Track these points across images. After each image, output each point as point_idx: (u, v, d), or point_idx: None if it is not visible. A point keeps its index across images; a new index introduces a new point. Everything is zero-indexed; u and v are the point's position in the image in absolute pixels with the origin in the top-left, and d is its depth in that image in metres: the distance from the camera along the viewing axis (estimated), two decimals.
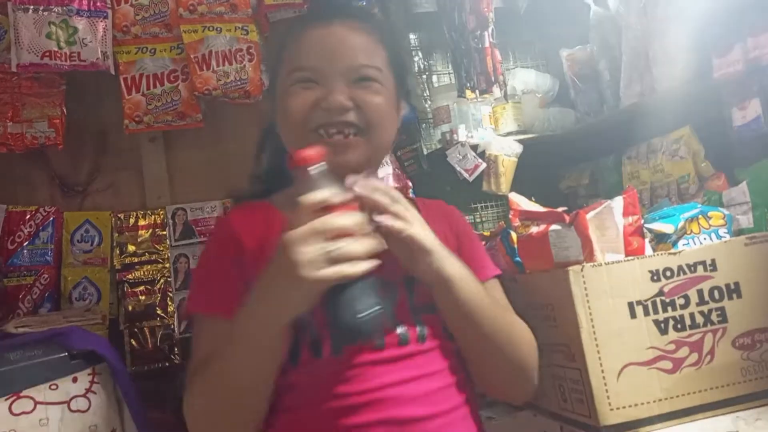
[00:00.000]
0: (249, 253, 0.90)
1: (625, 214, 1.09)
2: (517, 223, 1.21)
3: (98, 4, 1.68)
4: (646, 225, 1.13)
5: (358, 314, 0.72)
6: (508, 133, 2.07)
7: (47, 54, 1.62)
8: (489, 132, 2.04)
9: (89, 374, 1.17)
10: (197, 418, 0.83)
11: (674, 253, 1.06)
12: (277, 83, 1.00)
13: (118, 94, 1.74)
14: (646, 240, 1.11)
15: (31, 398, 1.08)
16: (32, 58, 1.61)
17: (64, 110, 1.71)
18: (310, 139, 0.91)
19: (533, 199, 1.25)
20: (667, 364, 1.02)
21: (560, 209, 1.18)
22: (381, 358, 0.85)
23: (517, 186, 1.99)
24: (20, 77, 1.66)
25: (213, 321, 0.87)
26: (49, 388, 1.10)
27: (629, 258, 1.05)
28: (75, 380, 1.14)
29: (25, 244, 1.66)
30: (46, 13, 1.63)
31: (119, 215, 1.82)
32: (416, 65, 2.13)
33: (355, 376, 0.83)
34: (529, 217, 1.18)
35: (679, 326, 1.03)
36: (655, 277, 1.04)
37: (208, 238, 0.99)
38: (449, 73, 2.14)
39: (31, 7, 1.63)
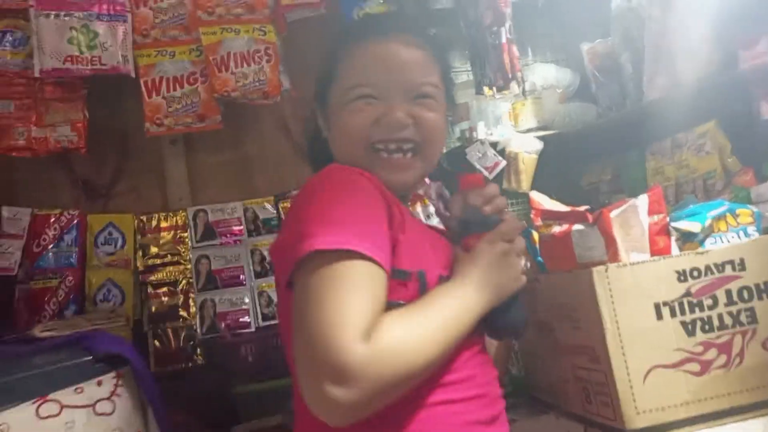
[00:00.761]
0: (392, 215, 0.86)
1: (651, 212, 1.07)
2: (538, 222, 1.20)
3: (118, 8, 1.69)
4: (672, 224, 1.10)
5: (525, 318, 0.93)
6: (528, 130, 2.04)
7: (69, 59, 1.63)
8: (509, 129, 2.01)
9: (114, 377, 1.18)
10: (414, 350, 0.77)
11: (701, 253, 1.04)
12: (329, 97, 1.00)
13: (138, 98, 1.75)
14: (672, 239, 1.09)
15: (58, 402, 1.09)
16: (54, 63, 1.63)
17: (86, 114, 1.73)
18: (370, 156, 0.93)
19: (554, 197, 1.24)
20: (695, 367, 1.00)
21: (582, 208, 1.16)
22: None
23: (537, 183, 1.97)
24: (43, 82, 1.68)
25: (371, 266, 0.77)
26: (75, 391, 1.11)
27: (655, 258, 1.03)
28: (100, 383, 1.15)
29: (50, 247, 1.69)
30: (67, 18, 1.65)
31: (141, 217, 1.84)
32: None
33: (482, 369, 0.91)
34: (551, 217, 1.17)
35: (707, 327, 1.01)
36: (682, 278, 1.02)
37: (342, 180, 0.87)
38: (467, 71, 2.12)
39: (53, 12, 1.65)
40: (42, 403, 1.08)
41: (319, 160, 1.02)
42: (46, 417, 1.08)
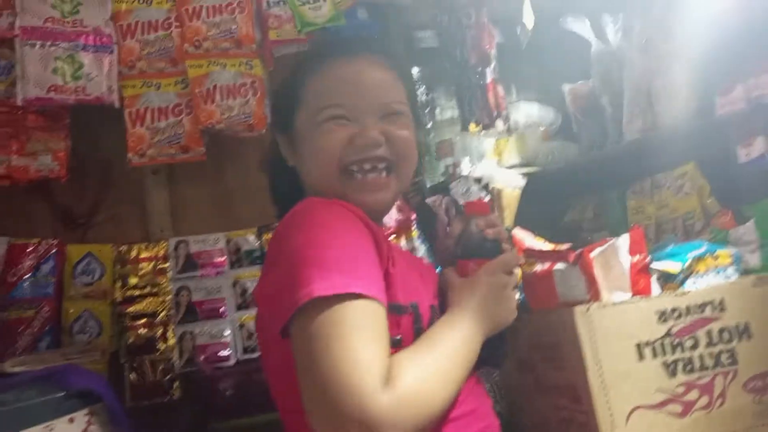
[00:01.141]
0: (380, 249, 0.84)
1: (632, 252, 1.08)
2: (521, 260, 1.20)
3: (104, 39, 1.69)
4: (652, 264, 1.11)
5: (508, 349, 0.98)
6: (512, 166, 2.07)
7: (53, 88, 1.62)
8: (493, 165, 2.04)
9: (86, 414, 1.14)
10: (431, 392, 0.77)
11: (682, 294, 1.05)
12: (295, 122, 0.98)
13: (122, 128, 1.74)
14: (653, 278, 1.10)
15: None
16: (38, 92, 1.61)
17: (69, 144, 1.71)
18: (344, 179, 0.92)
19: (537, 234, 1.24)
20: (677, 408, 1.00)
21: (565, 246, 1.17)
22: None
23: (521, 219, 1.98)
24: (26, 111, 1.66)
25: (373, 305, 0.75)
26: (45, 429, 1.07)
27: (636, 298, 1.03)
28: (72, 420, 1.12)
29: (26, 276, 1.65)
30: (52, 49, 1.64)
31: (121, 248, 1.81)
32: (420, 98, 2.14)
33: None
34: (533, 255, 1.17)
35: (688, 368, 1.02)
36: (663, 318, 1.03)
37: (327, 215, 0.83)
38: (452, 108, 2.15)
39: (38, 42, 1.64)
40: None
41: (284, 192, 1.02)
42: None
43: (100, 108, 1.71)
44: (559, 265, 1.07)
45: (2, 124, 1.64)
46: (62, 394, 1.13)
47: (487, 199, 1.97)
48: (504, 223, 2.00)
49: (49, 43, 1.63)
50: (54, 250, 1.71)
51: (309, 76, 0.97)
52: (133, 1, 1.76)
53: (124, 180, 1.86)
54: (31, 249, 1.69)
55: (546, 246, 1.19)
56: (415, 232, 1.85)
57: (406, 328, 0.84)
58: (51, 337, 1.65)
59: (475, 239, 0.95)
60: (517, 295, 0.94)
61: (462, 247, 0.96)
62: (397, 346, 0.80)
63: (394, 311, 0.82)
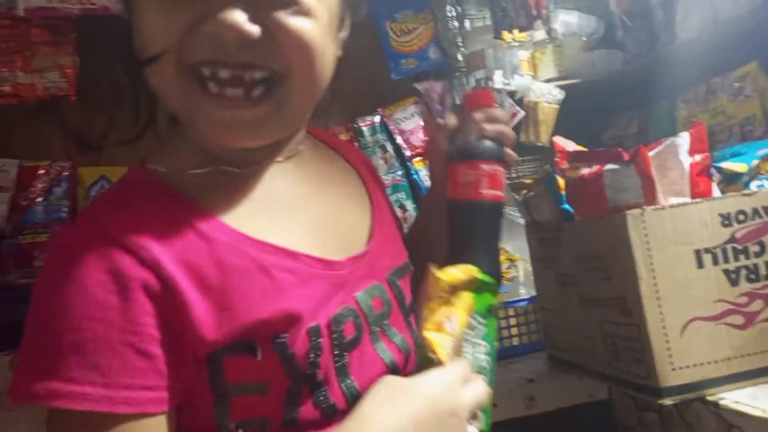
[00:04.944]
0: (189, 297, 0.54)
1: (692, 152, 0.96)
2: (565, 165, 1.09)
3: None
4: (714, 164, 0.99)
5: None
6: (548, 80, 1.92)
7: None
8: (527, 79, 1.89)
9: None
10: None
11: (748, 194, 0.93)
12: None
13: (132, 42, 1.64)
14: (714, 182, 0.98)
15: None
16: (41, 2, 1.52)
17: (77, 60, 1.62)
18: (187, 88, 0.56)
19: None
20: (739, 319, 0.90)
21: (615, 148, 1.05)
22: None
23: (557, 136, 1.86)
24: (30, 24, 1.57)
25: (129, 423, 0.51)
26: None
27: (697, 200, 0.92)
28: None
29: (38, 200, 1.60)
30: None
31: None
32: (448, 8, 1.98)
33: None
34: (580, 158, 1.05)
35: (752, 276, 0.91)
36: (727, 222, 0.92)
37: (58, 272, 0.53)
38: (484, 17, 1.99)
39: None
40: None
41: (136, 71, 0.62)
42: None
43: (108, 20, 1.60)
44: (611, 166, 0.96)
45: (5, 38, 1.56)
46: None
47: (521, 114, 1.84)
48: (539, 138, 1.88)
49: None
50: (66, 173, 1.65)
51: None
52: None
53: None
54: (42, 171, 1.63)
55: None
56: None
57: (270, 369, 0.57)
58: None
59: (471, 135, 0.74)
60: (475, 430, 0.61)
61: (454, 147, 0.75)
62: (258, 392, 0.57)
63: (237, 351, 0.56)
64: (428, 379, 0.57)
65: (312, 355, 0.58)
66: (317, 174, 0.70)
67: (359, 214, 0.73)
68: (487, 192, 0.74)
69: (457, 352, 0.61)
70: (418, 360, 0.60)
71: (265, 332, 0.56)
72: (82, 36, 1.66)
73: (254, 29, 0.54)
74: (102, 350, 0.51)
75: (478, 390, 0.59)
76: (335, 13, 0.62)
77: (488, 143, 0.74)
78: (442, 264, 0.65)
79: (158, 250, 0.54)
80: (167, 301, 0.53)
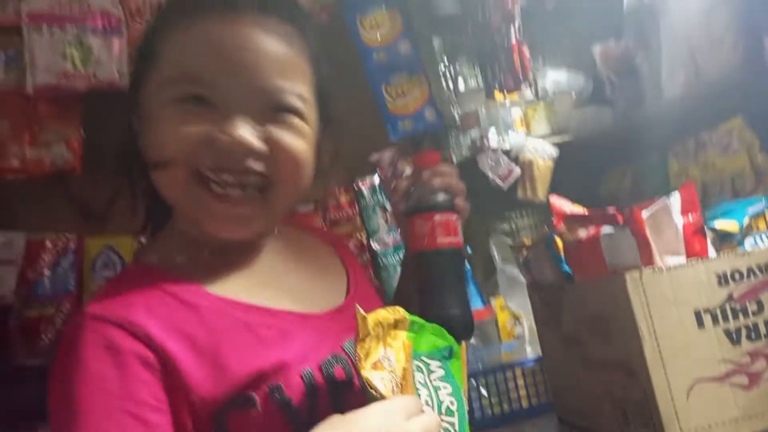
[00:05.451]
0: (190, 377, 0.59)
1: (684, 212, 0.98)
2: (561, 227, 1.11)
3: (112, 22, 1.64)
4: (707, 223, 1.02)
5: None
6: (542, 136, 1.97)
7: (63, 75, 1.58)
8: (521, 135, 1.94)
9: None
10: None
11: (742, 254, 0.95)
12: (144, 88, 0.68)
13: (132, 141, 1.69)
14: (708, 240, 1.01)
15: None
16: (48, 80, 1.57)
17: (82, 132, 1.67)
18: (192, 185, 0.65)
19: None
20: (743, 379, 0.90)
21: (610, 209, 1.08)
22: None
23: (553, 193, 1.89)
24: (37, 100, 1.62)
25: None
26: None
27: (693, 261, 0.94)
28: None
29: (46, 273, 1.61)
30: (60, 34, 1.59)
31: (141, 238, 1.76)
32: (441, 71, 2.05)
33: None
34: (576, 220, 1.08)
35: (753, 335, 0.92)
36: (723, 281, 0.93)
37: (64, 358, 0.60)
38: (476, 76, 2.06)
39: (46, 27, 1.59)
40: None
41: (136, 171, 0.74)
42: None
43: (112, 93, 1.66)
44: (606, 229, 0.98)
45: (14, 114, 1.60)
46: None
47: (517, 171, 1.88)
48: (535, 195, 1.91)
49: (56, 27, 1.58)
50: (73, 245, 1.67)
51: (169, 29, 0.67)
52: None
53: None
54: (49, 244, 1.65)
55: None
56: None
57: (269, 416, 0.61)
58: None
59: (423, 191, 0.81)
60: None
61: (408, 202, 0.82)
62: None
63: (236, 405, 0.61)
64: (368, 411, 0.58)
65: (310, 399, 0.63)
66: (291, 248, 0.80)
67: (335, 277, 0.82)
68: (443, 240, 0.81)
69: (403, 389, 0.63)
70: (365, 403, 0.62)
71: (260, 383, 0.61)
72: (88, 109, 1.71)
73: (260, 145, 0.65)
74: (105, 420, 0.56)
75: (426, 421, 0.59)
76: (315, 136, 0.72)
77: (439, 195, 0.81)
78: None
79: (147, 322, 0.60)
80: (162, 368, 0.58)
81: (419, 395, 0.64)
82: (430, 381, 0.66)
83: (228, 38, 0.64)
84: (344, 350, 0.70)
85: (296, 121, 0.67)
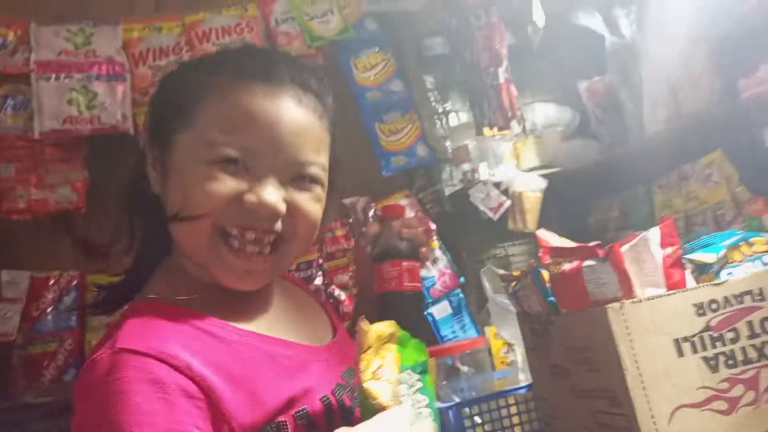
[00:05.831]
0: (230, 404, 0.64)
1: (663, 245, 1.03)
2: (547, 260, 1.16)
3: (117, 68, 1.71)
4: (685, 255, 1.06)
5: None
6: (531, 169, 2.03)
7: (68, 119, 1.64)
8: (511, 168, 2.00)
9: None
10: None
11: (719, 284, 0.99)
12: (175, 143, 0.72)
13: (137, 155, 1.74)
14: (687, 271, 1.05)
15: None
16: (54, 125, 1.63)
17: (86, 174, 1.72)
18: (214, 242, 0.70)
19: (562, 236, 1.20)
20: (722, 405, 0.94)
21: (593, 243, 1.12)
22: None
23: (543, 223, 1.94)
24: (43, 144, 1.68)
25: None
26: None
27: (671, 291, 0.98)
28: None
29: (48, 309, 1.65)
30: (66, 80, 1.66)
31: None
32: (433, 106, 2.11)
33: None
34: (560, 254, 1.13)
35: (730, 362, 0.96)
36: (701, 311, 0.97)
37: (105, 397, 0.60)
38: (467, 111, 2.12)
39: (53, 75, 1.66)
40: None
41: (143, 214, 0.80)
42: None
43: (116, 136, 1.72)
44: (588, 262, 1.03)
45: (21, 158, 1.66)
46: None
47: (507, 203, 1.93)
48: (526, 226, 1.96)
49: (63, 75, 1.65)
50: (75, 282, 1.71)
51: (208, 91, 0.72)
52: (144, 29, 1.77)
53: None
54: (52, 282, 1.69)
55: (572, 245, 1.15)
56: (435, 243, 1.83)
57: None
58: (76, 369, 1.65)
59: (391, 239, 0.92)
60: None
61: (377, 249, 0.93)
62: None
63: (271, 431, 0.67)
64: (377, 421, 0.63)
65: (328, 420, 0.69)
66: (285, 291, 0.88)
67: (320, 316, 0.92)
68: (408, 284, 0.93)
69: (396, 399, 0.68)
70: (362, 413, 0.67)
71: (289, 409, 0.68)
72: (91, 150, 1.76)
73: (284, 208, 0.71)
74: None
75: (427, 428, 0.67)
76: (324, 204, 0.80)
77: (405, 244, 0.91)
78: None
79: (187, 356, 0.63)
80: (206, 399, 0.62)
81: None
82: (411, 393, 0.72)
83: (270, 110, 0.70)
84: (344, 379, 0.78)
85: (317, 188, 0.75)
